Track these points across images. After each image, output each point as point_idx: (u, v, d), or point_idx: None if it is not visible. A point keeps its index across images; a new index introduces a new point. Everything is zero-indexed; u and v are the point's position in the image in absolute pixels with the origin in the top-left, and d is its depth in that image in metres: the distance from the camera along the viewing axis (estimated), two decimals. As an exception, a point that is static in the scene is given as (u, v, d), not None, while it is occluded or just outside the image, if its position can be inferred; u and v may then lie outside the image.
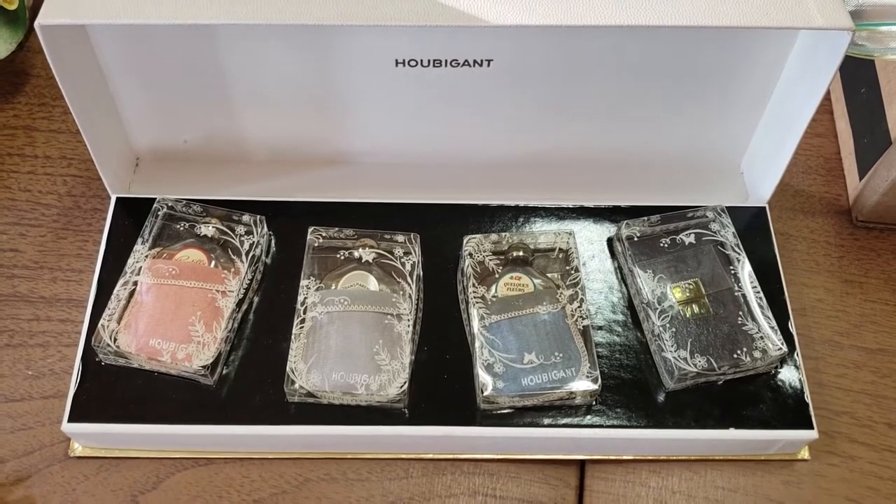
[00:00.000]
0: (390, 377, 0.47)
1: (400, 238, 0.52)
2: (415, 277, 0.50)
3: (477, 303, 0.49)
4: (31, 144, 0.61)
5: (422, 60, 0.50)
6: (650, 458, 0.49)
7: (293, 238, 0.52)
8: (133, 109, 0.55)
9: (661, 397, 0.48)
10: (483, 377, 0.47)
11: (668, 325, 0.49)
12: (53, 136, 0.61)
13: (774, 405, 0.48)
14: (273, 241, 0.53)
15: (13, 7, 0.59)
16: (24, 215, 0.57)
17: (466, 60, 0.51)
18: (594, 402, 0.48)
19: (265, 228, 0.52)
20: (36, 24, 0.43)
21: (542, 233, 0.53)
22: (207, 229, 0.51)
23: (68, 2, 0.44)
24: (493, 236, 0.52)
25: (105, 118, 0.54)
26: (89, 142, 0.51)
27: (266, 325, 0.50)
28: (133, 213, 0.54)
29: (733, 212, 0.54)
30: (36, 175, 0.59)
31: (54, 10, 0.44)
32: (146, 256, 0.50)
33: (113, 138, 0.55)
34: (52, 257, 0.56)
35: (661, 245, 0.52)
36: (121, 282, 0.50)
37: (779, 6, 0.44)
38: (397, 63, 0.51)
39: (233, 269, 0.50)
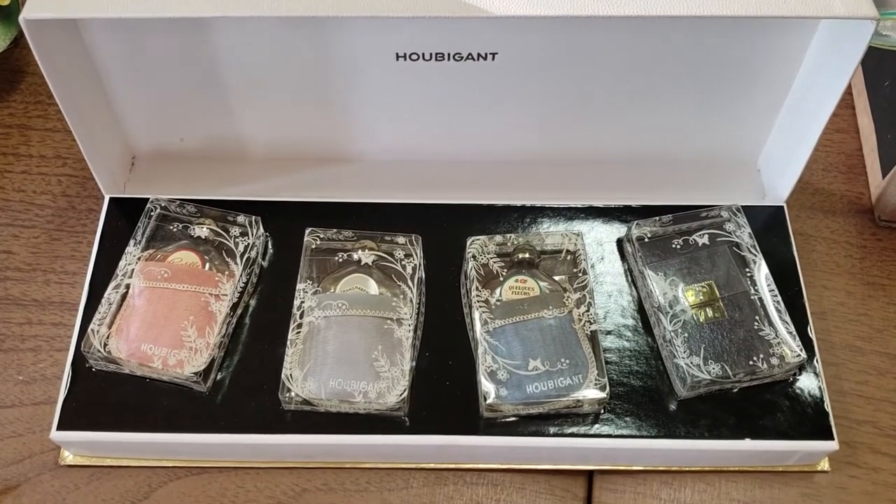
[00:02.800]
0: (389, 384, 0.45)
1: (401, 240, 0.50)
2: (416, 280, 0.49)
3: (480, 307, 0.47)
4: (25, 143, 0.60)
5: (424, 54, 0.49)
6: (661, 469, 0.47)
7: (290, 239, 0.51)
8: (128, 107, 0.54)
9: (672, 405, 0.46)
10: (486, 384, 0.45)
11: (680, 330, 0.47)
12: (48, 135, 0.60)
13: (792, 414, 0.46)
14: (269, 243, 0.52)
15: (6, 3, 0.58)
16: (17, 216, 0.56)
17: (470, 54, 0.49)
18: (602, 411, 0.46)
19: (261, 229, 0.51)
20: (21, 18, 0.42)
21: (549, 234, 0.51)
22: (201, 230, 0.50)
23: (55, -5, 0.42)
24: (498, 238, 0.50)
25: (99, 117, 0.52)
26: (81, 141, 0.50)
27: (261, 329, 0.49)
28: (127, 214, 0.52)
29: (750, 211, 0.52)
30: (30, 175, 0.58)
31: (40, 4, 0.42)
32: (138, 258, 0.49)
33: (107, 137, 0.54)
34: (46, 259, 0.54)
35: (674, 246, 0.50)
36: (112, 285, 0.48)
37: (798, -5, 0.42)
38: (398, 57, 0.49)
39: (227, 272, 0.49)
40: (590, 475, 0.48)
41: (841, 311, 0.53)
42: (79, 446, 0.47)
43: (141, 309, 0.47)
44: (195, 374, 0.46)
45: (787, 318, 0.47)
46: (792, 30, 0.48)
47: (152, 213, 0.51)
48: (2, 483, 0.47)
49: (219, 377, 0.47)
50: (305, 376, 0.45)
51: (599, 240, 0.52)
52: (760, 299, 0.48)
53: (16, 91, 0.62)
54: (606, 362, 0.47)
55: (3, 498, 0.47)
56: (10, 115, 0.61)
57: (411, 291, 0.48)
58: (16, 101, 0.61)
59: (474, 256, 0.49)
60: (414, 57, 0.49)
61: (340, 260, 0.49)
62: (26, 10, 0.42)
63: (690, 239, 0.50)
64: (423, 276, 0.50)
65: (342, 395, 0.45)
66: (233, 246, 0.50)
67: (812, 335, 0.48)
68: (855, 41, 0.44)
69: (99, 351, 0.46)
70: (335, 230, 0.50)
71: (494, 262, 0.49)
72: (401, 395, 0.45)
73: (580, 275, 0.49)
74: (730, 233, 0.50)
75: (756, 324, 0.47)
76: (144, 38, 0.49)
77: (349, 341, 0.46)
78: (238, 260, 0.49)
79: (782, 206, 0.53)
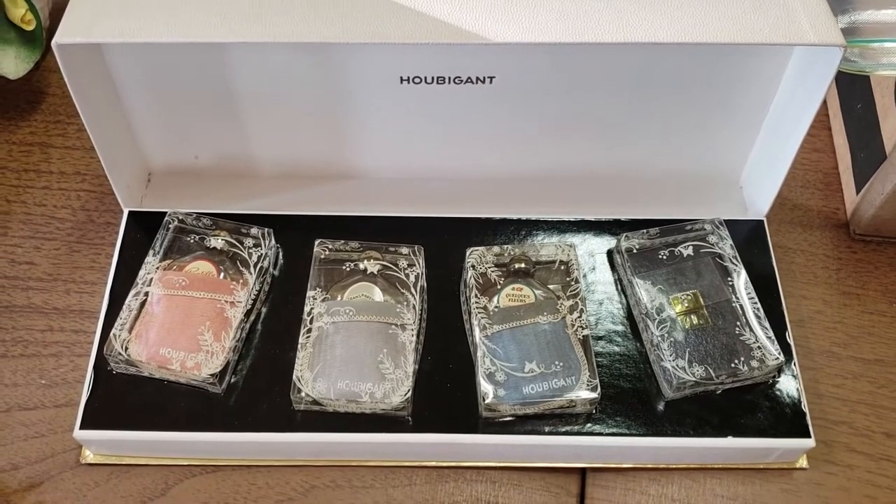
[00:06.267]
0: (394, 386, 0.48)
1: (404, 250, 0.53)
2: (418, 288, 0.51)
3: (479, 313, 0.50)
4: (46, 160, 0.62)
5: (425, 77, 0.52)
6: (650, 466, 0.50)
7: (300, 250, 0.53)
8: (146, 126, 0.56)
9: (660, 406, 0.49)
10: (484, 385, 0.48)
11: (666, 335, 0.50)
12: (68, 153, 0.63)
13: (772, 414, 0.49)
14: (280, 254, 0.54)
15: (31, 28, 0.61)
16: (39, 229, 0.59)
17: (469, 77, 0.52)
18: (594, 411, 0.49)
19: (273, 241, 0.53)
20: (53, 42, 0.45)
21: (544, 245, 0.54)
22: (217, 242, 0.53)
23: (84, 21, 0.45)
24: (496, 249, 0.53)
25: (118, 135, 0.55)
26: (103, 157, 0.52)
27: (273, 335, 0.51)
28: (145, 227, 0.55)
29: (732, 225, 0.55)
30: (51, 190, 0.61)
31: (70, 30, 0.45)
32: (157, 268, 0.52)
33: (126, 154, 0.56)
34: (66, 270, 0.57)
35: (660, 257, 0.53)
36: (132, 292, 0.51)
37: (773, 23, 0.46)
38: (402, 80, 0.52)
39: (241, 281, 0.52)
40: (583, 473, 0.50)
41: (818, 318, 0.56)
42: (100, 445, 0.49)
43: (160, 315, 0.50)
44: (211, 376, 0.48)
45: (767, 325, 0.50)
46: (770, 55, 0.51)
47: (170, 226, 0.54)
48: (26, 481, 0.49)
49: (233, 379, 0.50)
50: (315, 378, 0.48)
51: (591, 251, 0.55)
52: (741, 306, 0.51)
53: (37, 111, 0.65)
54: (598, 365, 0.50)
55: (26, 495, 0.49)
56: (32, 133, 0.64)
57: (414, 299, 0.51)
58: (37, 121, 0.64)
59: (473, 266, 0.52)
60: (416, 80, 0.52)
61: (347, 269, 0.52)
62: (58, 35, 0.45)
63: (676, 250, 0.53)
64: (425, 284, 0.52)
65: (350, 396, 0.48)
66: (246, 256, 0.52)
67: (790, 340, 0.51)
68: (825, 66, 0.47)
69: (120, 354, 0.49)
70: (342, 242, 0.53)
71: (492, 272, 0.52)
72: (405, 395, 0.48)
73: (573, 283, 0.52)
74: (712, 244, 0.54)
75: (737, 329, 0.50)
76: (162, 61, 0.52)
77: (356, 345, 0.49)
78: (251, 269, 0.52)
79: (762, 221, 0.56)
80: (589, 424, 0.48)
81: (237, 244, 0.53)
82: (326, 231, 0.54)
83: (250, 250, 0.53)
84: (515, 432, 0.48)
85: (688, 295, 0.51)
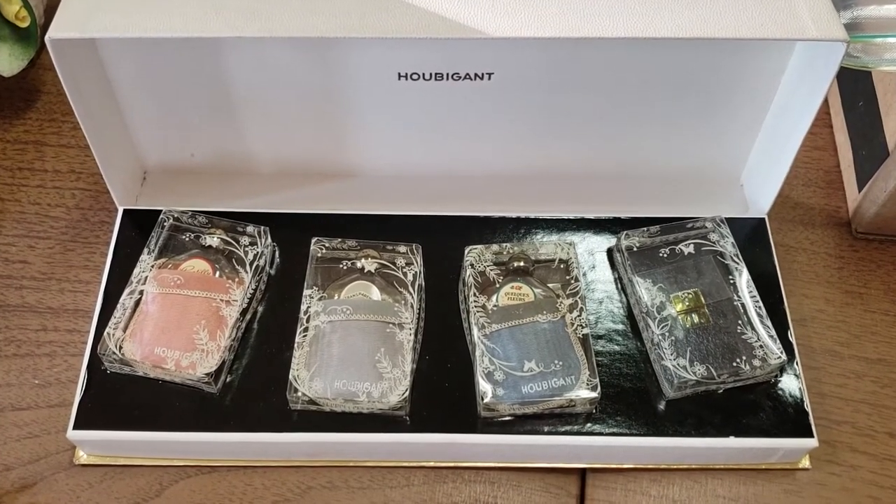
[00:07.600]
0: (392, 385, 0.47)
1: (402, 249, 0.52)
2: (416, 287, 0.51)
3: (478, 312, 0.50)
4: (40, 159, 0.62)
5: (424, 74, 0.51)
6: (651, 466, 0.49)
7: (297, 249, 0.53)
8: (141, 124, 0.56)
9: (661, 405, 0.49)
10: (483, 385, 0.47)
11: (667, 334, 0.49)
12: (63, 151, 0.62)
13: (774, 414, 0.48)
14: (277, 252, 0.54)
15: (26, 25, 0.60)
16: (32, 227, 0.58)
17: (468, 74, 0.51)
18: (594, 410, 0.48)
19: (269, 239, 0.53)
20: (46, 37, 0.44)
21: (543, 244, 0.53)
22: (212, 240, 0.52)
23: (78, 16, 0.45)
24: (495, 247, 0.52)
25: (113, 132, 0.55)
26: (98, 155, 0.52)
27: (269, 334, 0.51)
28: (140, 225, 0.54)
29: (733, 223, 0.54)
30: (45, 188, 0.60)
31: (64, 25, 0.45)
32: (152, 266, 0.51)
33: (121, 152, 0.56)
34: (60, 269, 0.57)
35: (661, 255, 0.53)
36: (127, 291, 0.50)
37: (775, 19, 0.45)
38: (400, 76, 0.51)
39: (237, 279, 0.51)
40: (583, 473, 0.50)
41: (820, 317, 0.55)
42: (93, 445, 0.49)
43: (155, 314, 0.49)
44: (206, 375, 0.48)
45: (769, 323, 0.50)
46: (771, 52, 0.51)
47: (165, 224, 0.53)
48: (19, 482, 0.49)
49: (229, 379, 0.49)
50: (312, 377, 0.48)
51: (591, 249, 0.55)
52: (743, 305, 0.50)
53: (31, 109, 0.64)
54: (598, 365, 0.49)
55: (19, 496, 0.48)
56: (26, 131, 0.63)
57: (412, 297, 0.51)
58: (31, 119, 0.64)
59: (472, 265, 0.52)
60: (415, 76, 0.51)
61: (345, 268, 0.52)
62: (52, 29, 0.45)
63: (677, 248, 0.53)
64: (423, 283, 0.52)
65: (347, 395, 0.47)
66: (242, 254, 0.52)
67: (792, 339, 0.51)
68: (828, 62, 0.46)
69: (114, 353, 0.48)
70: (340, 240, 0.52)
71: (491, 270, 0.52)
72: (403, 394, 0.47)
73: (572, 282, 0.51)
74: (714, 242, 0.53)
75: (739, 328, 0.49)
76: (158, 57, 0.51)
77: (353, 344, 0.49)
78: (247, 268, 0.51)
79: (764, 219, 0.56)
80: (589, 424, 0.48)
81: (233, 242, 0.52)
82: (323, 229, 0.53)
83: (246, 248, 0.52)
84: (514, 432, 0.47)
85: (689, 293, 0.51)
